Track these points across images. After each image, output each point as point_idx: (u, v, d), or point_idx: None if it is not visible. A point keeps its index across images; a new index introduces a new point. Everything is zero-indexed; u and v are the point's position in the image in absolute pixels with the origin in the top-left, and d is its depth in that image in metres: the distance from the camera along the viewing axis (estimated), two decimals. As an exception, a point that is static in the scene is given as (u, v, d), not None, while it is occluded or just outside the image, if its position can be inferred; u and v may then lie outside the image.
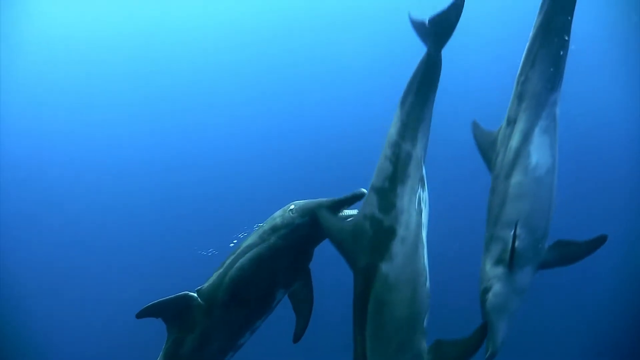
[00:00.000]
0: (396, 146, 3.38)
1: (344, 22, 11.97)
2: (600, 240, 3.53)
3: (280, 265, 3.82)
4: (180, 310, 3.86)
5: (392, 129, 3.46)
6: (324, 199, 3.76)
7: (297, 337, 4.15)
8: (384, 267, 3.14)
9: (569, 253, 3.59)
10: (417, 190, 3.35)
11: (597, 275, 8.94)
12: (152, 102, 12.18)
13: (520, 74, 3.69)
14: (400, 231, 3.20)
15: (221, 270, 3.91)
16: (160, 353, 3.98)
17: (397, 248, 3.18)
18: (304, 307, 4.10)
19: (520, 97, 3.65)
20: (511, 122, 3.67)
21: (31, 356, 9.88)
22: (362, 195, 3.59)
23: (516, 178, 3.53)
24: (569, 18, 3.54)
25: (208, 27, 12.48)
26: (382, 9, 11.59)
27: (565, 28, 3.55)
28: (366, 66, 11.65)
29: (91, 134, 11.79)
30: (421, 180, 3.42)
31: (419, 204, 3.35)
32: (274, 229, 3.80)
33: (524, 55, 3.71)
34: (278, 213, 3.91)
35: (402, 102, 3.48)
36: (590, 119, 10.05)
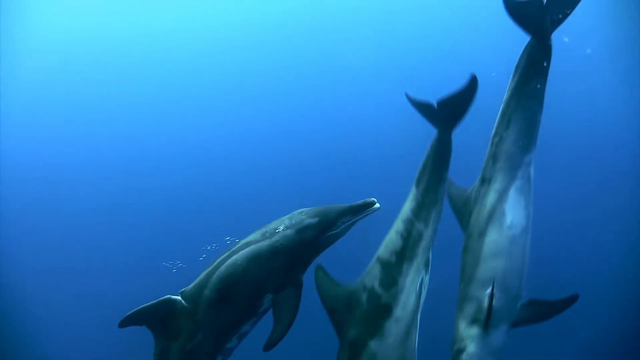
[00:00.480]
0: (409, 223, 3.40)
1: (346, 23, 11.82)
2: (571, 300, 3.59)
3: (276, 268, 3.61)
4: (164, 316, 3.61)
5: (407, 206, 3.48)
6: (335, 205, 3.69)
7: (268, 347, 3.73)
8: (374, 345, 3.08)
9: (541, 311, 3.65)
10: (421, 272, 3.33)
11: (597, 275, 8.99)
12: (150, 103, 12.16)
13: (495, 135, 3.73)
14: (397, 311, 3.16)
15: (210, 268, 3.68)
16: None
17: (391, 327, 3.12)
18: (285, 317, 3.73)
19: (494, 157, 3.70)
20: (486, 182, 3.72)
21: (31, 356, 10.04)
22: (372, 203, 3.53)
23: (491, 236, 3.58)
24: (543, 82, 3.57)
25: (209, 28, 12.42)
26: (385, 10, 11.45)
27: (539, 91, 3.58)
28: (367, 67, 11.50)
29: (85, 136, 11.72)
30: (427, 263, 3.41)
31: (420, 286, 3.31)
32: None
33: (498, 117, 3.74)
34: (287, 215, 3.77)
35: (418, 182, 3.53)
36: (597, 119, 9.93)
